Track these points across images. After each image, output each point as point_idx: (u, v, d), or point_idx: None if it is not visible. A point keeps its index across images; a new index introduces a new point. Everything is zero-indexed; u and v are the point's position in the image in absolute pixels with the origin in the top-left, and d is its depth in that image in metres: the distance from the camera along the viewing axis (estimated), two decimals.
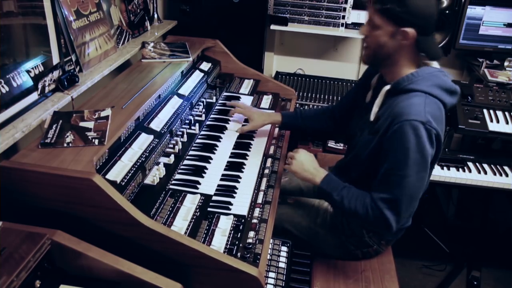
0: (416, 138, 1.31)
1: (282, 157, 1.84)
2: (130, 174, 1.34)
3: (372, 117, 1.47)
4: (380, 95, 1.46)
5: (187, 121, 1.84)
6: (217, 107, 2.10)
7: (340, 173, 1.68)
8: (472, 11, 2.57)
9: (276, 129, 2.00)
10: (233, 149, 1.79)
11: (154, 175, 1.48)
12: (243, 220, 1.39)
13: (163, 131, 1.62)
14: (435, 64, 1.46)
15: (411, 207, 1.41)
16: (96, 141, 1.34)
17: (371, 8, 1.38)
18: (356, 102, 1.68)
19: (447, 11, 2.50)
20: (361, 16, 2.80)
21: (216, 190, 1.52)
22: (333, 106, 1.90)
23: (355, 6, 2.78)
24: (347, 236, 1.63)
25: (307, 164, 1.56)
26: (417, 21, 1.33)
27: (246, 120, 1.95)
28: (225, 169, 1.64)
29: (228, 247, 1.28)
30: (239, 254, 1.26)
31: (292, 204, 1.67)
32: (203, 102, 2.03)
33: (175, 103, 1.82)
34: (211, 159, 1.68)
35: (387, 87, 1.44)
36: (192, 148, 1.73)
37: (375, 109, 1.47)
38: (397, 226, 1.39)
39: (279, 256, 1.50)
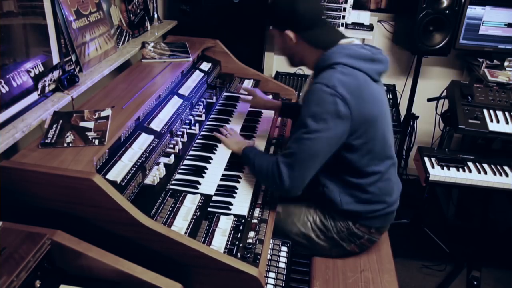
0: (318, 97, 1.40)
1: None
2: (130, 174, 1.34)
3: (300, 101, 1.60)
4: (307, 82, 1.60)
5: (187, 121, 1.84)
6: (217, 107, 2.10)
7: None
8: (472, 11, 2.57)
9: (277, 129, 2.00)
10: None
11: (154, 175, 1.48)
12: (243, 220, 1.39)
13: (163, 131, 1.62)
14: (356, 41, 1.55)
15: (306, 167, 1.45)
16: (96, 141, 1.34)
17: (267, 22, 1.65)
18: None
19: (447, 11, 2.50)
20: (361, 16, 2.80)
21: (216, 190, 1.52)
22: None
23: (355, 6, 2.79)
24: (337, 234, 1.64)
25: (238, 138, 1.78)
26: (288, 21, 1.50)
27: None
28: (225, 169, 1.64)
29: (228, 247, 1.28)
30: (239, 254, 1.26)
31: (280, 213, 1.68)
32: (203, 102, 2.03)
33: (175, 103, 1.82)
34: (211, 159, 1.68)
35: (311, 73, 1.59)
36: (192, 148, 1.73)
37: (302, 94, 1.62)
38: (290, 183, 1.45)
39: (279, 256, 1.50)
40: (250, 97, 2.08)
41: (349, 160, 1.50)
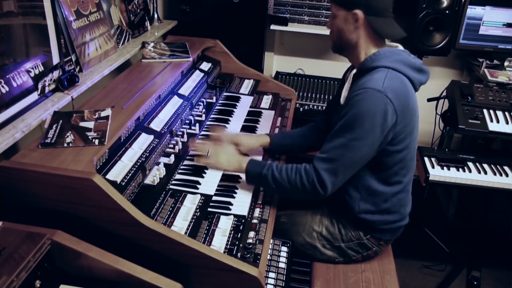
0: (369, 103, 1.35)
1: (282, 157, 1.84)
2: (130, 174, 1.34)
3: (342, 101, 1.52)
4: (348, 80, 1.52)
5: (187, 121, 1.84)
6: (217, 107, 2.10)
7: None
8: (472, 11, 2.57)
9: (277, 129, 2.00)
10: None
11: (154, 175, 1.47)
12: (243, 220, 1.39)
13: (163, 131, 1.62)
14: (400, 47, 1.52)
15: (348, 173, 1.43)
16: (96, 141, 1.34)
17: (330, 1, 1.50)
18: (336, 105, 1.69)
19: (447, 11, 2.50)
20: None
21: (216, 190, 1.52)
22: (317, 120, 1.85)
23: None
24: (346, 243, 1.64)
25: (229, 155, 1.60)
26: (363, 1, 1.40)
27: None
28: None
29: (228, 247, 1.28)
30: (239, 254, 1.26)
31: (286, 222, 1.67)
32: (203, 102, 2.03)
33: (175, 103, 1.82)
34: None
35: (354, 70, 1.51)
36: (193, 148, 1.73)
37: (344, 93, 1.53)
38: (331, 189, 1.42)
39: (279, 256, 1.50)
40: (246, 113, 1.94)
41: (382, 165, 1.48)
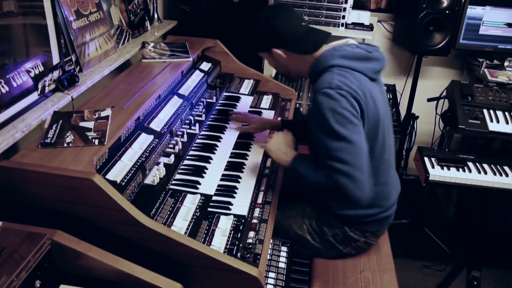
0: (327, 100, 1.36)
1: None
2: (130, 174, 1.34)
3: (305, 111, 1.58)
4: (305, 90, 1.59)
5: (187, 121, 1.84)
6: (217, 107, 2.10)
7: None
8: (472, 11, 2.57)
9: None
10: (233, 149, 1.79)
11: (154, 175, 1.48)
12: (243, 220, 1.39)
13: (163, 131, 1.62)
14: (351, 41, 1.55)
15: (365, 168, 1.37)
16: (96, 141, 1.34)
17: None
18: None
19: (447, 11, 2.50)
20: (361, 16, 2.80)
21: (216, 190, 1.52)
22: None
23: (355, 6, 2.79)
24: (333, 237, 1.64)
25: (282, 144, 1.59)
26: (271, 40, 1.53)
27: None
28: (225, 169, 1.64)
29: (228, 247, 1.28)
30: (239, 254, 1.26)
31: (277, 214, 1.67)
32: (203, 102, 2.03)
33: (175, 103, 1.82)
34: (211, 159, 1.68)
35: (307, 80, 1.57)
36: (192, 148, 1.73)
37: (304, 102, 1.61)
38: (366, 190, 1.36)
39: (279, 256, 1.50)
40: (247, 127, 1.93)
41: None
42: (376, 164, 1.51)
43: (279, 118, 2.06)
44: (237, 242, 1.30)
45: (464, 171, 2.21)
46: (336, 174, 1.36)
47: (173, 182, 1.51)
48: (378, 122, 1.46)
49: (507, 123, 2.23)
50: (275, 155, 1.58)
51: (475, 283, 2.34)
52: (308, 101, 1.56)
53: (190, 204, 1.41)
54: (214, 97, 2.10)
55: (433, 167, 2.21)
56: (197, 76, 2.13)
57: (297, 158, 1.53)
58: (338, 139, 1.35)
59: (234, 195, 1.51)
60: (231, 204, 1.46)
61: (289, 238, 1.65)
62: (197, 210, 1.39)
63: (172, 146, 1.64)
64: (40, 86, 1.47)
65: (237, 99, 2.20)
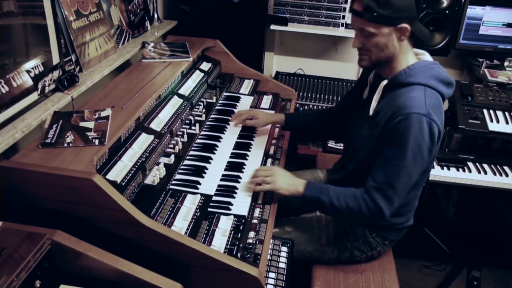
0: (417, 130, 1.34)
1: (282, 157, 1.84)
2: (130, 174, 1.34)
3: (371, 112, 1.50)
4: (378, 90, 1.49)
5: (187, 121, 1.84)
6: (217, 107, 2.10)
7: (336, 170, 1.70)
8: (472, 11, 2.57)
9: (277, 130, 2.00)
10: (233, 149, 1.79)
11: (154, 175, 1.47)
12: (243, 220, 1.39)
13: (163, 131, 1.62)
14: (427, 57, 1.51)
15: (403, 197, 1.45)
16: (96, 141, 1.34)
17: (359, 20, 1.40)
18: (354, 101, 1.70)
19: (447, 11, 2.50)
20: None
21: (216, 190, 1.52)
22: (333, 107, 1.92)
23: None
24: (351, 242, 1.64)
25: (286, 177, 1.55)
26: (405, 14, 1.37)
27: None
28: (225, 169, 1.64)
29: (228, 247, 1.28)
30: (239, 254, 1.26)
31: (292, 231, 1.66)
32: (203, 102, 2.03)
33: (175, 103, 1.82)
34: (211, 159, 1.68)
35: (385, 82, 1.47)
36: (192, 148, 1.73)
37: (373, 104, 1.50)
38: (390, 214, 1.44)
39: (279, 256, 1.50)
40: (252, 121, 1.92)
41: None
42: (424, 180, 1.55)
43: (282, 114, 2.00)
44: (237, 242, 1.30)
45: (464, 171, 2.21)
46: (377, 195, 1.41)
47: (173, 182, 1.51)
48: (438, 147, 1.49)
49: (507, 123, 2.23)
50: (287, 191, 1.52)
51: (475, 283, 2.34)
52: (376, 103, 1.49)
53: (190, 204, 1.41)
54: (214, 97, 2.10)
55: (433, 167, 2.20)
56: (197, 76, 2.13)
57: (308, 185, 1.51)
58: (402, 167, 1.38)
59: (234, 195, 1.51)
60: (231, 204, 1.46)
61: (307, 253, 1.64)
62: (197, 210, 1.39)
63: (172, 146, 1.64)
64: (40, 86, 1.47)
65: (237, 99, 2.20)
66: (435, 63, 1.48)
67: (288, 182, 1.52)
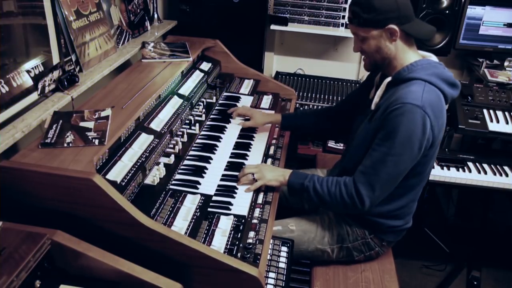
0: (409, 120, 1.35)
1: (282, 157, 1.84)
2: (130, 174, 1.34)
3: (373, 107, 1.52)
4: (381, 87, 1.51)
5: (187, 121, 1.84)
6: (217, 107, 2.10)
7: (337, 170, 1.71)
8: (472, 11, 2.57)
9: (276, 129, 2.00)
10: (233, 149, 1.79)
11: (154, 175, 1.47)
12: (243, 220, 1.39)
13: (163, 131, 1.62)
14: (433, 58, 1.51)
15: (386, 188, 1.45)
16: (96, 141, 1.34)
17: (351, 26, 1.47)
18: (358, 101, 1.71)
19: (447, 11, 2.50)
20: None
21: (216, 190, 1.52)
22: (332, 106, 1.93)
23: None
24: (352, 243, 1.65)
25: (273, 169, 1.61)
26: (391, 15, 1.39)
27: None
28: (225, 169, 1.64)
29: (228, 247, 1.28)
30: (239, 254, 1.26)
31: (295, 229, 1.66)
32: (203, 102, 2.03)
33: (175, 103, 1.82)
34: (211, 159, 1.68)
35: (388, 79, 1.49)
36: (192, 148, 1.73)
37: (376, 99, 1.52)
38: (369, 204, 1.44)
39: (279, 256, 1.50)
40: (250, 122, 1.94)
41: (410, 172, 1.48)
42: (421, 183, 1.55)
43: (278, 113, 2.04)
44: (237, 242, 1.30)
45: (464, 171, 2.21)
46: (360, 178, 1.42)
47: (173, 182, 1.51)
48: (436, 149, 1.49)
49: (507, 123, 2.23)
50: (276, 182, 1.56)
51: (475, 283, 2.34)
52: (378, 99, 1.50)
53: (190, 204, 1.41)
54: (214, 97, 2.10)
55: (433, 167, 2.20)
56: (197, 76, 2.13)
57: (294, 173, 1.56)
58: (388, 154, 1.38)
59: (234, 195, 1.51)
60: (231, 204, 1.46)
61: (307, 253, 1.65)
62: (197, 210, 1.39)
63: (172, 146, 1.64)
64: (40, 86, 1.47)
65: (237, 99, 2.20)
66: (439, 63, 1.49)
67: (275, 174, 1.57)
